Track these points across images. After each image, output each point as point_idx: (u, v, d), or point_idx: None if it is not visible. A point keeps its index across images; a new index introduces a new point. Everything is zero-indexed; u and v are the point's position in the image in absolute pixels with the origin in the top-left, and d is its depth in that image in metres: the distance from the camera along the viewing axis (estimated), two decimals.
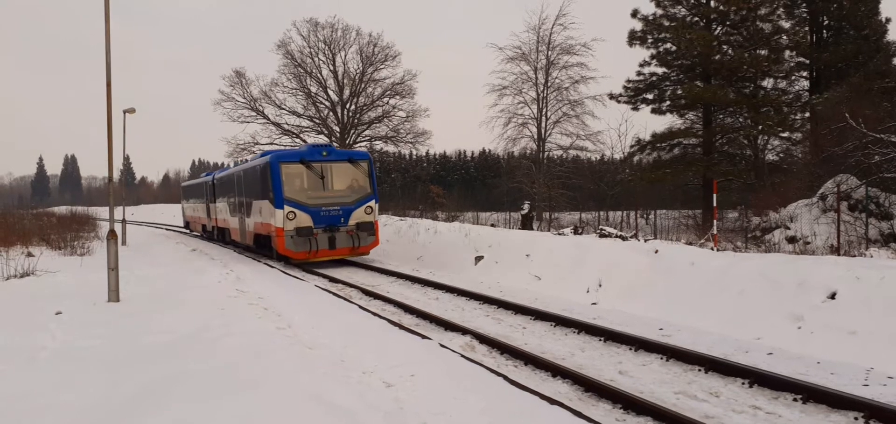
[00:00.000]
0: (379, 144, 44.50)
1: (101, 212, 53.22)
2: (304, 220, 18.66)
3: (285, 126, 43.26)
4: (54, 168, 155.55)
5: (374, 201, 19.77)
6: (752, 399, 6.60)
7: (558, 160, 39.48)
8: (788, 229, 19.66)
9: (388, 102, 43.35)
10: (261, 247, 21.92)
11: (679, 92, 32.12)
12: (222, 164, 57.30)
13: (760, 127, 30.38)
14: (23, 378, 7.03)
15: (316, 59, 43.00)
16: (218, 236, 30.25)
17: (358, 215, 19.31)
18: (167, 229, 52.28)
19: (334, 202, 19.14)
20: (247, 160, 29.84)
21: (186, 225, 41.56)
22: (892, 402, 6.12)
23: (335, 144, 39.64)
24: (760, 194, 24.71)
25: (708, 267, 11.34)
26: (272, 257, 20.38)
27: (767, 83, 32.67)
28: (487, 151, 79.26)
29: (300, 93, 43.53)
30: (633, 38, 32.34)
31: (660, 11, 32.24)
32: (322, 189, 19.26)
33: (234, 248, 26.59)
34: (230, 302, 11.96)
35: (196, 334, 9.07)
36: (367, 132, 43.52)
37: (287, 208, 18.52)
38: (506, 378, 7.11)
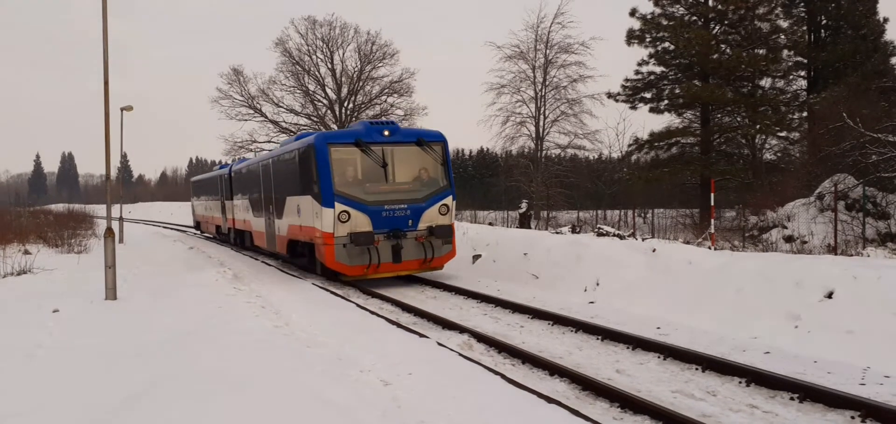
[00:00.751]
0: None
1: (99, 210, 53.21)
2: (362, 222, 14.24)
3: (283, 124, 43.33)
4: (51, 166, 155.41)
5: (450, 198, 15.27)
6: (749, 398, 6.61)
7: (556, 159, 39.49)
8: (786, 228, 19.70)
9: (386, 101, 43.43)
10: (296, 256, 17.72)
11: (677, 91, 32.17)
12: (220, 162, 57.01)
13: (758, 126, 30.43)
14: (19, 376, 7.02)
15: (314, 56, 43.07)
16: (236, 239, 26.01)
17: (430, 216, 14.93)
18: (165, 228, 52.22)
19: (400, 199, 14.71)
20: (272, 148, 27.62)
21: (197, 226, 37.70)
22: (888, 401, 6.14)
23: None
24: (758, 194, 24.77)
25: (705, 266, 11.35)
26: (315, 270, 16.10)
27: (765, 82, 32.75)
28: (485, 149, 79.20)
29: (298, 91, 43.62)
30: (632, 37, 32.37)
31: (658, 10, 32.28)
32: (384, 181, 14.78)
33: (257, 256, 22.66)
34: (228, 300, 11.96)
35: (193, 332, 9.07)
36: None
37: (339, 207, 14.11)
38: (503, 376, 7.11)
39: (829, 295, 8.91)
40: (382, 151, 14.86)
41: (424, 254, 14.77)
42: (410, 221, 14.70)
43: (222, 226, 28.74)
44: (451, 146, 16.90)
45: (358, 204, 14.32)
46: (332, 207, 14.14)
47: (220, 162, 60.12)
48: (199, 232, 37.79)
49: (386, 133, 14.96)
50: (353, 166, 14.85)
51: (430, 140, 15.48)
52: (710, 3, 31.84)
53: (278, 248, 18.77)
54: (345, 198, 14.25)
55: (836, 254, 15.89)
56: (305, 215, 15.53)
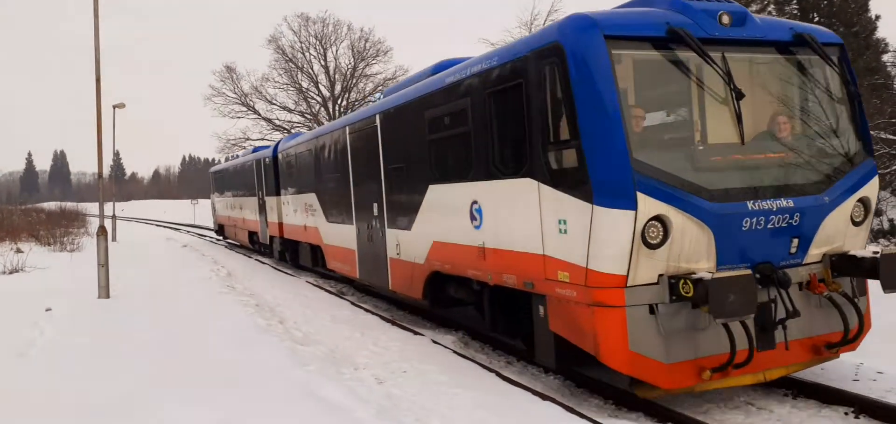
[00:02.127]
0: None
1: (91, 208, 52.95)
2: (694, 246, 5.79)
3: (276, 121, 43.23)
4: (43, 164, 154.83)
5: (874, 180, 6.66)
6: (745, 395, 6.63)
7: None
8: None
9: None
10: (444, 304, 9.30)
11: None
12: (215, 159, 56.02)
13: None
14: (12, 375, 6.97)
15: (307, 54, 42.98)
16: (285, 253, 18.32)
17: (834, 227, 6.38)
18: (158, 225, 52.04)
19: (776, 185, 6.12)
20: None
21: (219, 230, 29.78)
22: (881, 397, 6.17)
23: None
24: None
25: None
26: (533, 355, 7.17)
27: None
28: None
29: (291, 88, 43.52)
30: None
31: None
32: (735, 138, 6.19)
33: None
34: (221, 298, 11.91)
35: (187, 330, 9.02)
36: None
37: (645, 204, 5.56)
38: (498, 373, 7.11)
39: None
40: (725, 62, 6.15)
41: (844, 323, 6.28)
42: (795, 240, 6.22)
43: (259, 233, 20.96)
44: None
45: (686, 199, 5.75)
46: (631, 205, 5.60)
47: (214, 159, 59.21)
48: (221, 239, 30.19)
49: (725, 20, 6.29)
50: (659, 98, 6.75)
51: (822, 42, 6.79)
52: None
53: (394, 284, 10.31)
54: (657, 182, 5.69)
55: None
56: (507, 224, 7.07)
